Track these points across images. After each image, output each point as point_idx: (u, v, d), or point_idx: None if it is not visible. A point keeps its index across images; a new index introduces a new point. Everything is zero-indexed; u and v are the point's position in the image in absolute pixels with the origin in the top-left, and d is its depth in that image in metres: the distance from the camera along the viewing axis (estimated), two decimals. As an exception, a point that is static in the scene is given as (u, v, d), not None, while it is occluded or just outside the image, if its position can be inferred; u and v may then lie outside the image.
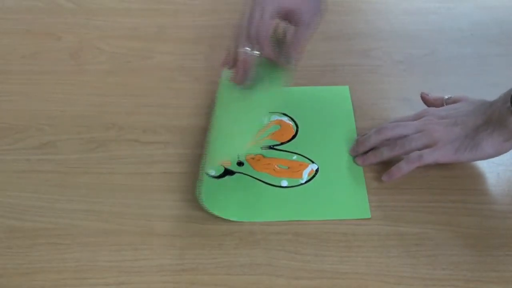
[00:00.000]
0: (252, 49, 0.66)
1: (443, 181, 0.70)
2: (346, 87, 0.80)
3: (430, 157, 0.66)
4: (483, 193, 0.69)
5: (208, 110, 0.78)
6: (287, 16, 0.66)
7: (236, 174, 0.70)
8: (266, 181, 0.69)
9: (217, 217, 0.66)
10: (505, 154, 0.72)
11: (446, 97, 0.72)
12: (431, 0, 0.95)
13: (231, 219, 0.65)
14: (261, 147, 0.73)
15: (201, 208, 0.67)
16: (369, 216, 0.66)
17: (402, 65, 0.84)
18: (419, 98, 0.75)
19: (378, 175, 0.70)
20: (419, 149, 0.67)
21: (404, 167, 0.67)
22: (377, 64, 0.85)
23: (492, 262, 0.62)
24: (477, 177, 0.70)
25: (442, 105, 0.72)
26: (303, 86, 0.81)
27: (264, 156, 0.72)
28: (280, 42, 0.68)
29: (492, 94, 0.66)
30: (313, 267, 0.62)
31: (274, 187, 0.69)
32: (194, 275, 0.61)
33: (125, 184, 0.69)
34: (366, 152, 0.71)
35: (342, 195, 0.68)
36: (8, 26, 0.91)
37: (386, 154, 0.68)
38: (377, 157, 0.69)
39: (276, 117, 0.77)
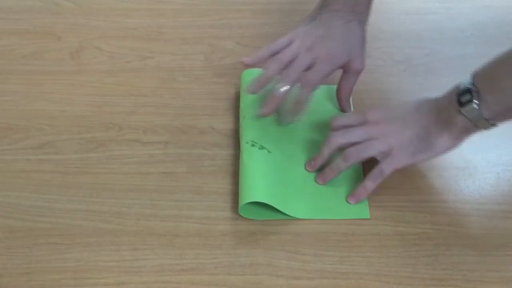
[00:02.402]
0: (289, 87, 0.69)
1: (443, 181, 0.70)
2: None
3: (390, 167, 0.65)
4: (482, 193, 0.69)
5: (208, 110, 0.78)
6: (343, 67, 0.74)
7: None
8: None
9: (217, 217, 0.66)
10: (505, 154, 0.72)
11: None
12: (431, 0, 0.95)
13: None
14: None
15: (201, 208, 0.67)
16: (368, 217, 0.66)
17: (402, 65, 0.84)
18: (419, 98, 0.75)
19: (378, 175, 0.70)
20: (373, 155, 0.66)
21: (369, 185, 0.66)
22: (377, 64, 0.85)
23: (492, 262, 0.62)
24: (476, 177, 0.70)
25: None
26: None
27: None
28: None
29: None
30: (313, 267, 0.62)
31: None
32: (194, 275, 0.61)
33: (125, 184, 0.69)
34: (322, 169, 0.69)
35: (341, 195, 0.68)
36: (8, 26, 0.91)
37: (342, 165, 0.67)
38: (335, 171, 0.68)
39: None
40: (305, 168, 0.71)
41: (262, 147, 0.70)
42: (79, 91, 0.80)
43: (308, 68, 0.70)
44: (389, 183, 0.69)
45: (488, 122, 0.60)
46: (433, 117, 0.64)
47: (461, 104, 0.60)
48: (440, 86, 0.80)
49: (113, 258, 0.62)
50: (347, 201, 0.67)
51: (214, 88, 0.80)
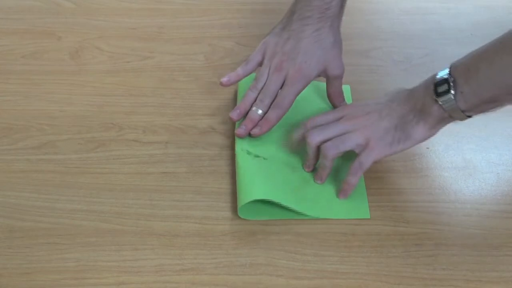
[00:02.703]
0: (263, 111, 0.72)
1: (443, 181, 0.70)
2: (347, 86, 0.80)
3: (368, 159, 0.65)
4: (482, 193, 0.69)
5: (208, 110, 0.78)
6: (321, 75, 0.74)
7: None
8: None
9: (217, 217, 0.66)
10: (504, 154, 0.72)
11: None
12: (431, 0, 0.95)
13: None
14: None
15: (201, 208, 0.67)
16: (369, 217, 0.66)
17: (402, 65, 0.84)
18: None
19: (378, 175, 0.70)
20: (352, 147, 0.66)
21: (351, 180, 0.66)
22: (377, 64, 0.85)
23: (492, 262, 0.62)
24: (476, 177, 0.70)
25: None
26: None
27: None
28: None
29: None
30: (313, 267, 0.62)
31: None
32: (194, 275, 0.61)
33: (125, 184, 0.69)
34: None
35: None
36: (8, 26, 0.91)
37: (326, 163, 0.67)
38: (326, 170, 0.68)
39: None
40: (303, 168, 0.71)
41: (257, 156, 0.70)
42: (79, 91, 0.80)
43: (281, 87, 0.72)
44: (389, 183, 0.69)
45: (464, 114, 0.60)
46: (409, 106, 0.64)
47: (438, 94, 0.61)
48: (440, 86, 0.80)
49: (113, 258, 0.62)
50: (338, 198, 0.68)
51: (214, 88, 0.80)
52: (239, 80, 0.75)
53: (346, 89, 0.80)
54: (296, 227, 0.65)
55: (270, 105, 0.72)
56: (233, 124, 0.75)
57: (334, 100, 0.77)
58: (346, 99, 0.78)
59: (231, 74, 0.75)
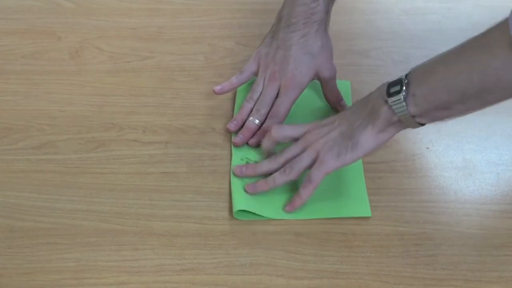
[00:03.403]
0: (260, 121, 0.73)
1: (443, 181, 0.70)
2: (348, 82, 0.80)
3: (318, 174, 0.63)
4: (482, 193, 0.69)
5: (208, 110, 0.78)
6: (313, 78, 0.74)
7: None
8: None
9: (217, 217, 0.66)
10: (504, 154, 0.72)
11: None
12: (431, 0, 0.95)
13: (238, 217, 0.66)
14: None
15: (201, 208, 0.67)
16: (370, 214, 0.66)
17: (402, 65, 0.84)
18: None
19: (378, 175, 0.70)
20: (310, 166, 0.64)
21: (303, 193, 0.64)
22: (377, 64, 0.85)
23: (492, 262, 0.62)
24: (476, 177, 0.70)
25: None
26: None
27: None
28: None
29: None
30: (313, 267, 0.62)
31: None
32: (194, 275, 0.61)
33: (125, 184, 0.69)
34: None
35: (342, 193, 0.68)
36: (8, 26, 0.91)
37: (278, 180, 0.66)
38: (269, 185, 0.66)
39: None
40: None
41: (256, 163, 0.71)
42: (79, 91, 0.80)
43: (276, 96, 0.73)
44: (389, 183, 0.69)
45: (414, 120, 0.58)
46: (360, 110, 0.63)
47: (389, 94, 0.58)
48: (440, 86, 0.80)
49: (113, 258, 0.62)
50: (285, 210, 0.66)
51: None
52: (232, 89, 0.76)
53: (346, 84, 0.80)
54: (296, 227, 0.65)
55: (267, 114, 0.73)
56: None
57: (332, 100, 0.77)
58: (345, 95, 0.78)
59: (225, 83, 0.75)
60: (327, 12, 0.73)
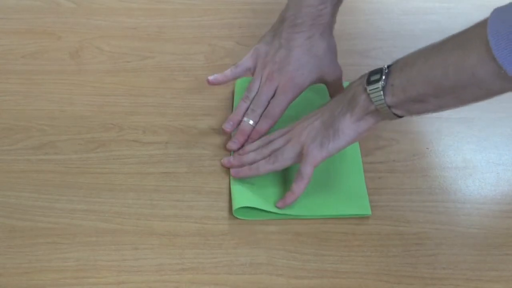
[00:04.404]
0: (255, 122, 0.72)
1: (443, 181, 0.70)
2: (347, 83, 0.80)
3: (306, 167, 0.63)
4: (482, 193, 0.69)
5: (208, 110, 0.78)
6: (317, 81, 0.74)
7: None
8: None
9: (217, 217, 0.66)
10: (504, 154, 0.72)
11: None
12: (431, 0, 0.95)
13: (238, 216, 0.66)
14: None
15: (201, 208, 0.67)
16: (370, 213, 0.66)
17: (402, 65, 0.84)
18: None
19: (378, 175, 0.70)
20: (293, 159, 0.65)
21: (295, 189, 0.64)
22: (377, 64, 0.84)
23: (492, 262, 0.62)
24: (476, 177, 0.70)
25: None
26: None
27: None
28: None
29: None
30: (313, 267, 0.62)
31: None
32: (194, 274, 0.61)
33: (125, 184, 0.69)
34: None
35: (342, 192, 0.68)
36: (8, 26, 0.91)
37: (262, 169, 0.66)
38: (253, 171, 0.67)
39: None
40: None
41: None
42: (79, 91, 0.80)
43: (272, 97, 0.72)
44: (389, 183, 0.69)
45: (391, 110, 0.58)
46: (341, 98, 0.63)
47: (369, 82, 0.59)
48: (440, 86, 0.80)
49: (113, 257, 0.62)
50: (277, 206, 0.66)
51: (214, 88, 0.80)
52: (225, 82, 0.75)
53: (345, 85, 0.80)
54: (296, 227, 0.65)
55: (262, 114, 0.72)
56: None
57: None
58: None
59: (219, 75, 0.74)
60: (333, 14, 0.72)
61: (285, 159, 0.65)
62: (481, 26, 0.50)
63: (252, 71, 0.75)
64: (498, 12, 0.49)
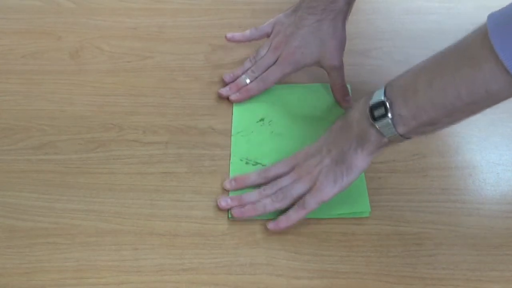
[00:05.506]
0: (251, 82, 0.78)
1: (443, 181, 0.70)
2: (348, 86, 0.80)
3: (313, 200, 0.62)
4: (482, 193, 0.69)
5: (208, 110, 0.78)
6: (317, 65, 0.77)
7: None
8: None
9: (217, 217, 0.66)
10: (504, 154, 0.72)
11: None
12: (431, 0, 0.95)
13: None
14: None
15: (201, 208, 0.67)
16: (369, 210, 0.66)
17: (402, 65, 0.84)
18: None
19: (378, 175, 0.70)
20: (302, 196, 0.63)
21: (292, 216, 0.63)
22: (377, 64, 0.85)
23: (492, 262, 0.62)
24: (476, 177, 0.70)
25: None
26: (305, 84, 0.81)
27: None
28: None
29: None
30: (313, 267, 0.62)
31: None
32: (194, 274, 0.61)
33: (125, 184, 0.69)
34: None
35: (342, 192, 0.68)
36: (8, 26, 0.91)
37: (269, 207, 0.64)
38: (259, 211, 0.64)
39: None
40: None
41: (256, 163, 0.71)
42: (79, 91, 0.80)
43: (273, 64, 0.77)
44: (389, 183, 0.69)
45: (403, 137, 0.57)
46: (346, 135, 0.62)
47: (375, 118, 0.57)
48: (440, 86, 0.80)
49: (113, 257, 0.62)
50: (268, 227, 0.64)
51: (214, 88, 0.80)
52: (242, 41, 0.82)
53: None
54: (296, 227, 0.65)
55: (257, 78, 0.78)
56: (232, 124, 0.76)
57: (336, 92, 0.78)
58: None
59: (238, 33, 0.81)
60: (348, 5, 0.74)
61: (294, 196, 0.64)
62: (481, 38, 0.49)
63: (268, 36, 0.80)
64: (496, 19, 0.48)
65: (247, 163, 0.71)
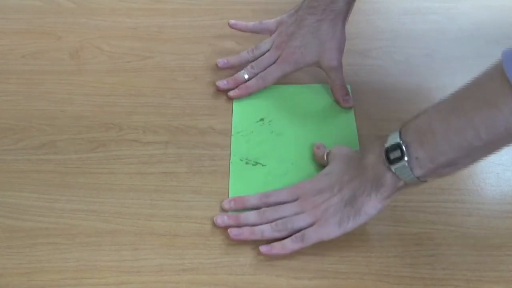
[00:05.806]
0: (249, 78, 0.79)
1: (443, 181, 0.69)
2: (347, 86, 0.80)
3: (314, 236, 0.61)
4: (482, 193, 0.69)
5: (208, 110, 0.78)
6: (316, 65, 0.78)
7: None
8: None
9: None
10: (504, 154, 0.72)
11: (327, 151, 0.68)
12: (431, 0, 0.95)
13: None
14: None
15: (201, 208, 0.67)
16: None
17: (402, 65, 0.84)
18: (419, 98, 0.75)
19: (378, 175, 0.70)
20: (302, 229, 0.61)
21: (288, 246, 0.61)
22: (377, 64, 0.85)
23: (492, 262, 0.62)
24: (476, 177, 0.70)
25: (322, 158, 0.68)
26: (305, 85, 0.81)
27: None
28: None
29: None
30: (313, 267, 0.62)
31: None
32: (194, 275, 0.61)
33: (125, 184, 0.69)
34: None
35: None
36: (8, 26, 0.91)
37: (267, 234, 0.62)
38: (256, 236, 0.62)
39: None
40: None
41: (256, 163, 0.71)
42: (79, 91, 0.80)
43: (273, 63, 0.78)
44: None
45: (420, 180, 0.56)
46: (361, 178, 0.60)
47: (390, 161, 0.56)
48: (440, 86, 0.80)
49: (113, 258, 0.62)
50: (260, 250, 0.62)
51: (214, 88, 0.80)
52: (243, 30, 0.83)
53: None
54: (296, 227, 0.65)
55: (256, 75, 0.79)
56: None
57: (335, 92, 0.78)
58: None
59: (241, 22, 0.83)
60: (348, 5, 0.75)
61: (295, 229, 0.62)
62: (498, 77, 0.48)
63: (271, 33, 0.81)
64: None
65: (247, 163, 0.71)
